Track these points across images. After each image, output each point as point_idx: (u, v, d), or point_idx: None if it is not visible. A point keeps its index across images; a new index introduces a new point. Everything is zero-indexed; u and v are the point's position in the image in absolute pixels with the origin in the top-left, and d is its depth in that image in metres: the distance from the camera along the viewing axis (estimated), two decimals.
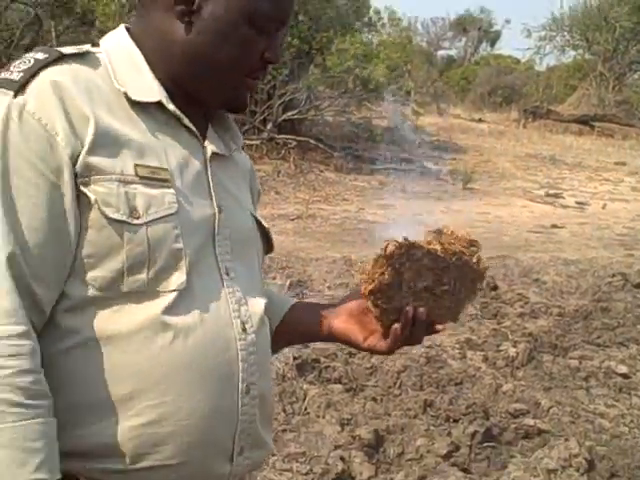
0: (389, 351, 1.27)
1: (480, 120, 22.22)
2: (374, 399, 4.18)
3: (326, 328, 1.33)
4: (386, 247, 1.19)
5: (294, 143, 12.13)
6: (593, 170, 15.05)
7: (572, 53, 29.23)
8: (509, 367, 4.83)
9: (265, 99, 12.52)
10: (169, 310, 1.07)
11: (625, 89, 26.27)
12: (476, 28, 41.04)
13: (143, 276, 1.06)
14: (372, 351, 1.28)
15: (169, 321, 1.07)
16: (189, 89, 1.17)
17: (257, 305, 1.19)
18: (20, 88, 1.03)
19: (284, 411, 3.88)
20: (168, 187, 1.09)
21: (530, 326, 5.54)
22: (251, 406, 1.15)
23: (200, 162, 1.17)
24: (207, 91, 1.18)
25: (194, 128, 1.17)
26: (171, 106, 1.14)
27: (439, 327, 1.25)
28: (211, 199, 1.16)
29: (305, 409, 3.97)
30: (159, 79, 1.15)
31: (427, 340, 5.05)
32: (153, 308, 1.07)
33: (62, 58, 1.08)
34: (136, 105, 1.12)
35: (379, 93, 13.96)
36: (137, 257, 1.05)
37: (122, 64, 1.14)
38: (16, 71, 1.05)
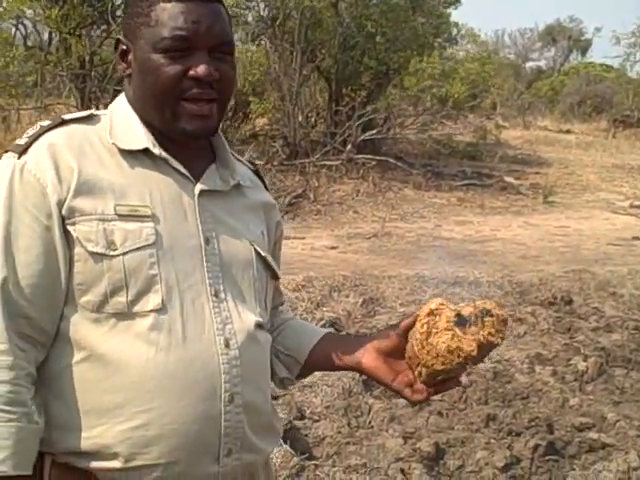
0: (416, 403, 1.43)
1: (568, 131, 21.76)
2: (439, 413, 4.26)
3: (354, 362, 1.47)
4: (460, 343, 1.32)
5: (373, 163, 12.27)
6: None
7: None
8: (578, 381, 4.82)
9: (344, 120, 12.73)
10: (152, 328, 1.25)
11: None
12: (566, 38, 40.23)
13: (123, 299, 1.25)
14: (399, 394, 1.43)
15: (152, 338, 1.25)
16: (159, 131, 1.34)
17: (245, 322, 1.34)
18: (23, 151, 1.28)
19: (348, 425, 4.01)
20: (147, 221, 1.28)
21: (603, 340, 5.48)
22: (235, 413, 1.29)
23: (190, 199, 1.34)
24: (162, 126, 1.33)
25: (182, 168, 1.34)
26: (156, 150, 1.32)
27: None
28: (198, 230, 1.33)
29: (369, 423, 4.09)
30: (150, 129, 1.34)
31: (495, 355, 5.12)
32: (138, 327, 1.25)
33: (63, 123, 1.32)
34: (126, 153, 1.32)
35: (459, 109, 13.94)
36: (116, 283, 1.25)
37: (119, 121, 1.35)
38: (25, 137, 1.30)
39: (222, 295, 1.32)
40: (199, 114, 1.31)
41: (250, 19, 13.97)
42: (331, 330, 1.62)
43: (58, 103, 13.26)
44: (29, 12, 12.52)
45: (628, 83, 26.93)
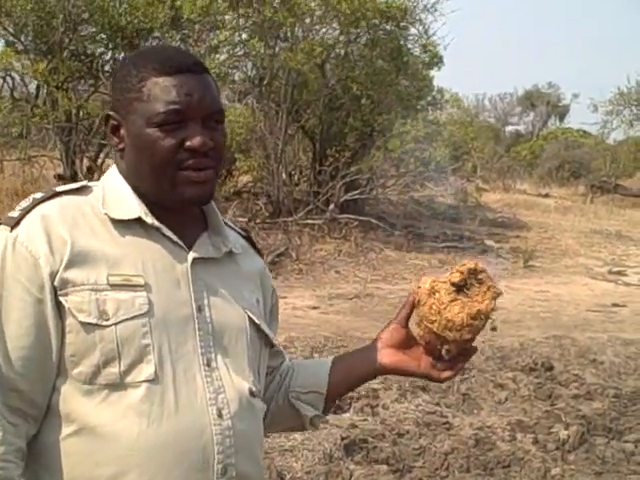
0: (445, 380, 1.48)
1: (547, 195, 22.09)
2: None
3: (375, 367, 1.49)
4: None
5: (356, 223, 12.35)
6: None
7: None
8: (560, 450, 4.78)
9: (328, 180, 12.85)
10: (144, 399, 1.24)
11: None
12: (544, 103, 41.10)
13: (115, 369, 1.24)
14: (429, 377, 1.48)
15: (144, 410, 1.24)
16: (153, 201, 1.35)
17: (238, 391, 1.33)
18: (16, 224, 1.28)
19: None
20: (140, 291, 1.27)
21: (584, 408, 5.47)
22: None
23: (183, 267, 1.34)
24: (158, 196, 1.34)
25: (174, 237, 1.34)
26: (149, 219, 1.33)
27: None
28: (190, 299, 1.33)
29: None
30: (142, 199, 1.35)
31: (477, 422, 5.09)
32: (130, 399, 1.24)
33: (56, 194, 1.33)
34: (119, 223, 1.32)
35: (441, 172, 14.14)
36: (109, 353, 1.24)
37: (112, 191, 1.36)
38: (18, 209, 1.31)
39: (214, 364, 1.32)
40: (197, 180, 1.32)
41: (237, 78, 14.17)
42: (334, 357, 1.62)
43: (42, 155, 13.30)
44: (17, 65, 12.62)
45: (605, 150, 27.47)
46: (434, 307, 1.38)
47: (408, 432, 4.77)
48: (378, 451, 4.49)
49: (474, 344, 1.44)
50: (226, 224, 1.48)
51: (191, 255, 1.35)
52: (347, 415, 4.98)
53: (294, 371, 1.58)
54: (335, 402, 1.60)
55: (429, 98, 16.03)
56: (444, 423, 4.98)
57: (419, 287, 1.43)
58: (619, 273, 11.91)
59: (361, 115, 13.32)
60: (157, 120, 1.30)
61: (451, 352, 1.42)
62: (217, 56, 12.79)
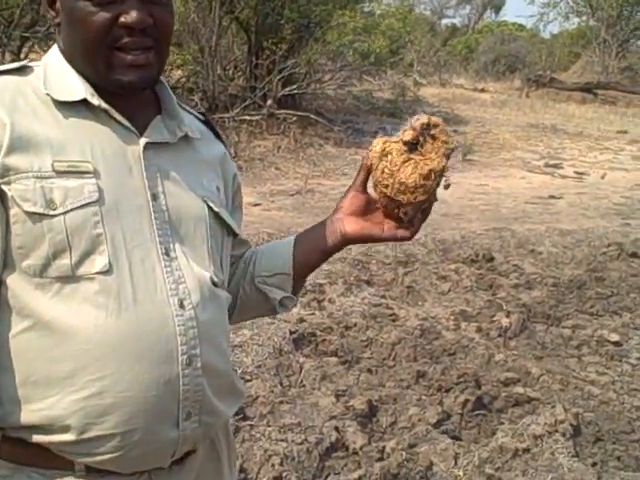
0: (411, 237, 1.40)
1: (483, 90, 22.11)
2: (369, 371, 4.29)
3: (339, 237, 1.43)
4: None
5: (294, 118, 12.13)
6: (594, 139, 15.00)
7: (576, 20, 29.01)
8: (502, 337, 4.93)
9: (265, 74, 12.52)
10: (99, 292, 1.17)
11: (629, 55, 26.10)
12: None
13: (67, 261, 1.16)
14: (395, 239, 1.40)
15: (101, 302, 1.17)
16: (94, 82, 1.24)
17: (200, 281, 1.26)
18: None
19: (281, 384, 3.99)
20: (89, 178, 1.18)
21: (524, 297, 5.63)
22: (194, 376, 1.23)
23: (135, 152, 1.25)
24: (96, 79, 1.23)
25: (124, 120, 1.25)
26: (95, 101, 1.22)
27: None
28: (144, 186, 1.25)
29: (301, 382, 4.08)
30: (86, 80, 1.24)
31: (422, 312, 5.18)
32: (84, 291, 1.16)
33: None
34: (63, 105, 1.22)
35: (380, 65, 13.91)
36: (58, 244, 1.15)
37: (54, 72, 1.25)
38: None
39: (173, 254, 1.25)
40: (135, 64, 1.21)
41: None
42: (297, 235, 1.55)
43: None
44: None
45: (541, 43, 27.50)
46: (386, 170, 1.31)
47: (355, 325, 4.82)
48: (327, 344, 4.53)
49: (435, 197, 1.37)
50: (182, 107, 1.38)
51: (143, 140, 1.25)
52: (294, 310, 4.99)
53: (257, 256, 1.53)
54: (304, 281, 1.54)
55: None
56: (390, 315, 5.05)
57: (370, 150, 1.34)
58: (555, 166, 12.10)
59: (297, 6, 12.88)
60: None
61: (408, 215, 1.36)
62: None
